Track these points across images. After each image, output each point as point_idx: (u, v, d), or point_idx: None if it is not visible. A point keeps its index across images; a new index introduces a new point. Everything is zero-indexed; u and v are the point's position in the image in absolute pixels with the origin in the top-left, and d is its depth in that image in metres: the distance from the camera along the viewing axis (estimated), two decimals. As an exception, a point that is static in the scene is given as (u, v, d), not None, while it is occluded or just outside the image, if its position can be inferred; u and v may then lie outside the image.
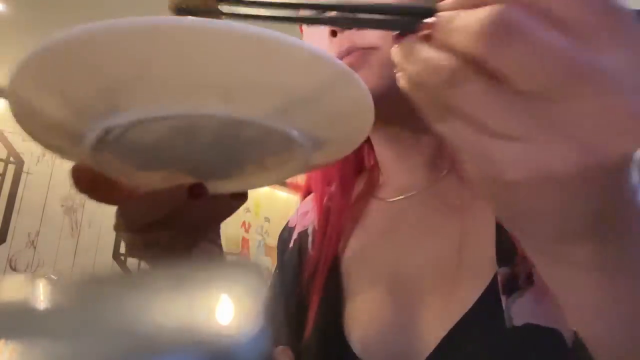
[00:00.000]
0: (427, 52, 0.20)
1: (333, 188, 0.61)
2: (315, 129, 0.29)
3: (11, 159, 3.41)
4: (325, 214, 0.59)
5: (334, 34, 0.46)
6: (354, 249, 0.56)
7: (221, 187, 0.37)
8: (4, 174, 3.35)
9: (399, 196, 0.54)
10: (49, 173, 3.56)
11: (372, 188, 0.59)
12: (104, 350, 0.12)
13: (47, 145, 0.33)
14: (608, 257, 0.24)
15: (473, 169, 0.22)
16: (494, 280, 0.43)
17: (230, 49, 0.23)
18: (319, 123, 0.29)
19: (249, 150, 0.31)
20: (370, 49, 0.45)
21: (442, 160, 0.52)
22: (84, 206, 3.66)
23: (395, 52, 0.22)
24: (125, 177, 0.34)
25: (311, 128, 0.29)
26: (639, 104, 0.18)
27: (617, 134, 0.18)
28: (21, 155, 3.45)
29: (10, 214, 3.32)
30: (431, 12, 0.21)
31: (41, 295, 0.14)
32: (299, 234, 0.62)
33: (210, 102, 0.25)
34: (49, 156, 3.59)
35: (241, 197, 0.39)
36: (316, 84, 0.25)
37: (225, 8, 0.27)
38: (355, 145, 0.36)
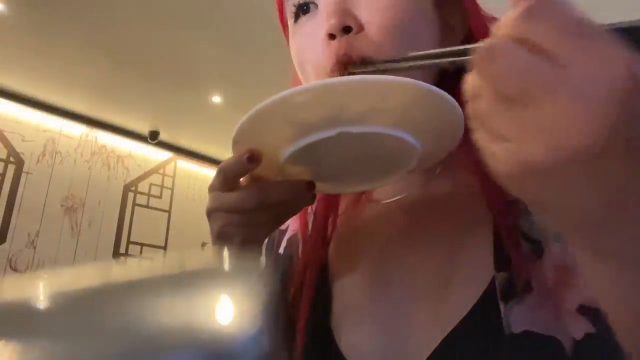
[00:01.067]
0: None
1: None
2: (425, 138, 0.41)
3: (11, 159, 3.41)
4: (306, 220, 0.58)
5: (331, 37, 0.45)
6: (344, 252, 0.55)
7: (330, 188, 0.51)
8: (4, 174, 3.35)
9: (391, 198, 0.54)
10: (49, 173, 3.56)
11: (366, 191, 0.58)
12: (104, 351, 0.12)
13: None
14: (627, 244, 0.26)
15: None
16: (491, 285, 0.42)
17: (382, 93, 0.37)
18: (427, 134, 0.41)
19: (373, 158, 0.44)
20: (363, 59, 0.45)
21: (433, 167, 0.51)
22: (84, 206, 3.66)
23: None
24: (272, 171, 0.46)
25: (422, 136, 0.40)
26: (594, 107, 0.22)
27: (575, 132, 0.23)
28: (21, 155, 3.46)
29: (10, 214, 3.32)
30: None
31: (41, 295, 0.14)
32: (289, 239, 0.62)
33: (364, 122, 0.38)
34: (49, 156, 3.59)
35: (313, 193, 0.47)
36: (433, 110, 0.38)
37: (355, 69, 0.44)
38: (448, 150, 0.45)
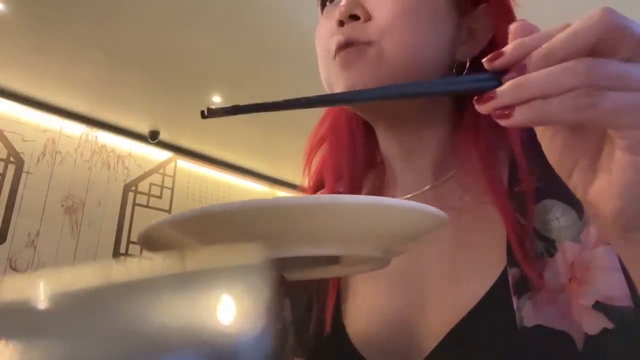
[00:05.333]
0: (551, 69, 0.27)
1: (342, 184, 0.61)
2: (400, 248, 0.38)
3: (11, 159, 3.41)
4: None
5: (341, 23, 0.47)
6: None
7: (299, 275, 0.44)
8: (4, 174, 3.35)
9: (405, 195, 0.55)
10: (49, 173, 3.56)
11: (381, 184, 0.59)
12: (104, 351, 0.12)
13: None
14: None
15: (635, 135, 0.27)
16: (500, 279, 0.43)
17: (350, 215, 0.31)
18: (404, 244, 0.38)
19: (338, 261, 0.40)
20: (366, 44, 0.46)
21: (449, 160, 0.53)
22: (84, 206, 3.66)
23: (506, 94, 0.28)
24: None
25: (398, 248, 0.38)
26: None
27: None
28: (21, 155, 3.45)
29: (10, 214, 3.32)
30: (498, 74, 0.30)
31: (41, 295, 0.13)
32: None
33: (330, 246, 0.33)
34: (49, 156, 3.59)
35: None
36: (415, 228, 0.34)
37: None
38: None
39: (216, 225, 0.31)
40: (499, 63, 0.30)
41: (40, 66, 3.11)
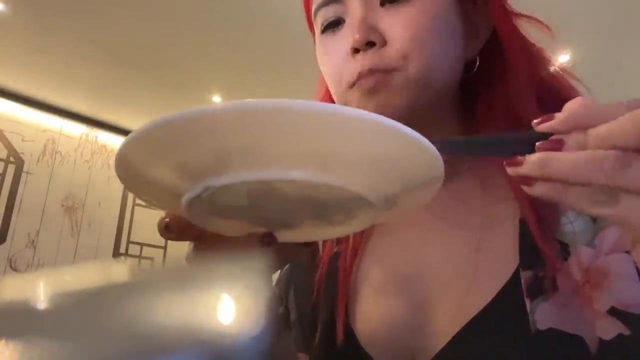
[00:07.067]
0: (576, 157, 0.27)
1: None
2: (388, 191, 0.33)
3: (11, 159, 3.41)
4: None
5: (355, 51, 0.46)
6: (370, 246, 0.55)
7: (290, 236, 0.40)
8: (4, 174, 3.35)
9: None
10: (49, 173, 3.56)
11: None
12: (104, 351, 0.12)
13: (143, 198, 0.37)
14: None
15: None
16: (511, 280, 0.43)
17: (323, 127, 0.27)
18: (393, 185, 0.33)
19: (323, 207, 0.35)
20: (390, 71, 0.45)
21: (459, 161, 0.52)
22: (84, 206, 3.66)
23: (530, 165, 0.29)
24: (209, 225, 0.38)
25: (385, 190, 0.33)
26: None
27: None
28: (21, 155, 3.45)
29: (10, 214, 3.32)
30: (545, 137, 0.29)
31: (41, 295, 0.13)
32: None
33: (303, 170, 0.29)
34: (49, 156, 3.59)
35: (308, 244, 0.43)
36: (394, 152, 0.30)
37: None
38: (423, 204, 0.38)
39: (174, 137, 0.28)
40: (543, 127, 0.30)
41: (40, 66, 3.11)
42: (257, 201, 0.33)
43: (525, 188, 0.30)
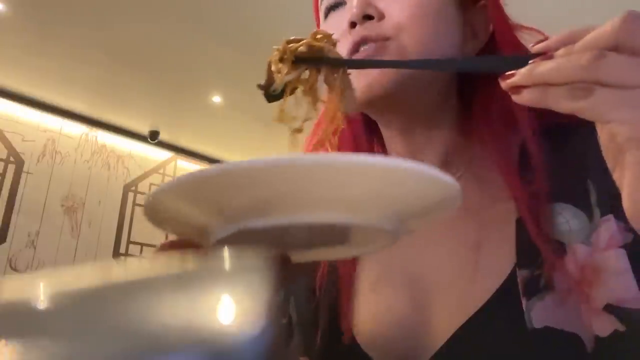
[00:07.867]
0: (559, 60, 0.30)
1: None
2: (411, 223, 0.35)
3: (11, 159, 3.41)
4: None
5: (353, 25, 0.47)
6: None
7: (305, 256, 0.41)
8: (4, 174, 3.35)
9: None
10: (49, 173, 3.56)
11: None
12: (104, 351, 0.12)
13: (167, 231, 0.38)
14: None
15: (624, 130, 0.29)
16: (508, 280, 0.43)
17: (356, 177, 0.29)
18: (416, 219, 0.35)
19: (344, 236, 0.37)
20: (385, 40, 0.46)
21: (456, 160, 0.53)
22: (84, 206, 3.66)
23: (521, 75, 0.31)
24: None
25: (408, 223, 0.35)
26: None
27: None
28: (21, 155, 3.45)
29: (10, 213, 3.32)
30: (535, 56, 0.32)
31: (41, 295, 0.13)
32: None
33: (336, 213, 0.31)
34: (49, 156, 3.59)
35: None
36: (421, 193, 0.32)
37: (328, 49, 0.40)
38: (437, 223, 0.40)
39: (213, 188, 0.29)
40: (539, 46, 0.33)
41: (41, 66, 3.11)
42: (284, 234, 0.34)
43: (514, 97, 0.32)
